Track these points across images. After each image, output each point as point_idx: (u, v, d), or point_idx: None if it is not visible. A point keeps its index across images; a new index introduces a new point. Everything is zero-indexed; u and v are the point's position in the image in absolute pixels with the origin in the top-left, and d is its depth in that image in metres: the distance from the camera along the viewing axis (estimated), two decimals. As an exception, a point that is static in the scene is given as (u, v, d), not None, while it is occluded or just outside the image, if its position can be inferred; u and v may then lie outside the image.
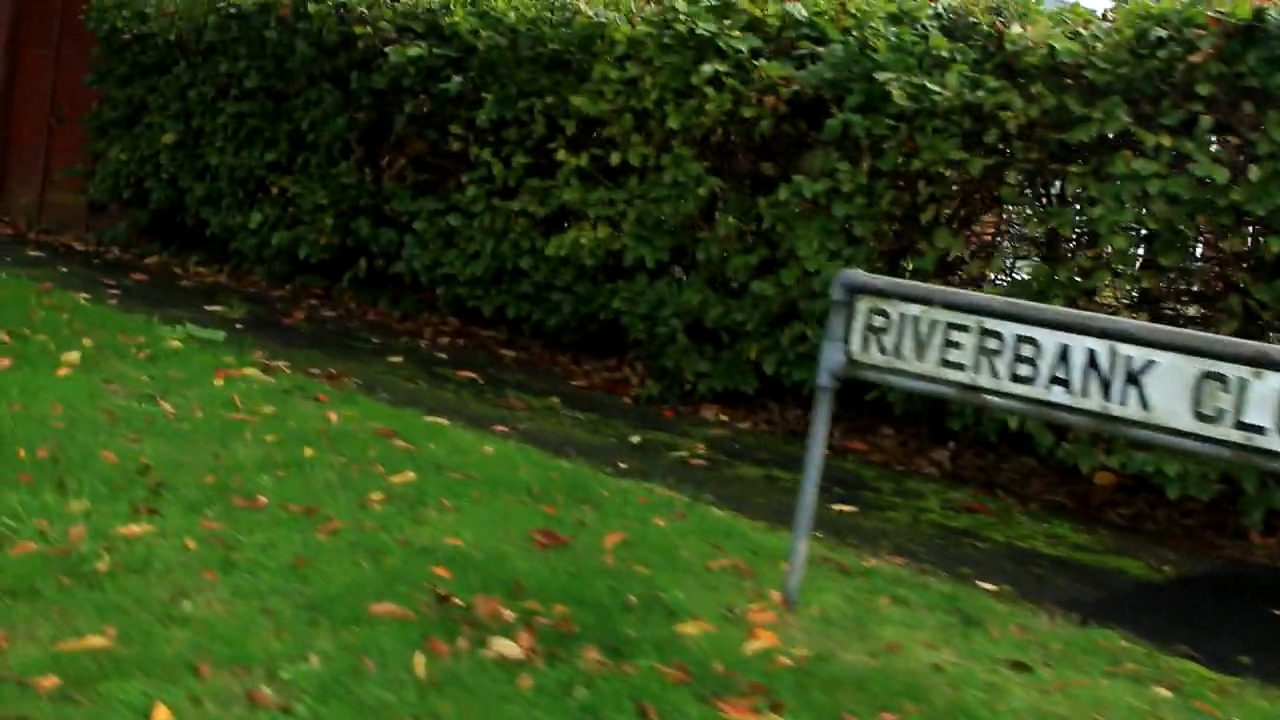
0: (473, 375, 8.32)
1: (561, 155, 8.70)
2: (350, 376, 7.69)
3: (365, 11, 9.95)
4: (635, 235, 8.29)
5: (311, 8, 10.25)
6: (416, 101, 9.55)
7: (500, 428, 7.02)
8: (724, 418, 7.92)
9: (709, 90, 8.00)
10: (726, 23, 8.15)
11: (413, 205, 9.59)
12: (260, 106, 10.73)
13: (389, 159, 9.87)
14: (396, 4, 9.97)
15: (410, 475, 5.69)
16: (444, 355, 8.87)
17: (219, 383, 7.06)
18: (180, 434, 5.98)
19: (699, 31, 8.12)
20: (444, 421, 6.93)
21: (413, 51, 9.45)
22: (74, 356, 7.08)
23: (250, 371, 7.36)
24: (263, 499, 5.15)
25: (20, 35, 14.21)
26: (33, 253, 11.67)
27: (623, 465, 6.55)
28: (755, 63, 7.96)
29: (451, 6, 9.54)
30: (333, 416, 6.62)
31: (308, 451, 5.88)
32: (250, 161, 10.75)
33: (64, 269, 10.78)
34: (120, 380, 6.85)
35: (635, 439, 7.23)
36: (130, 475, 5.27)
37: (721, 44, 8.07)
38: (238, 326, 8.91)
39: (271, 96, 10.69)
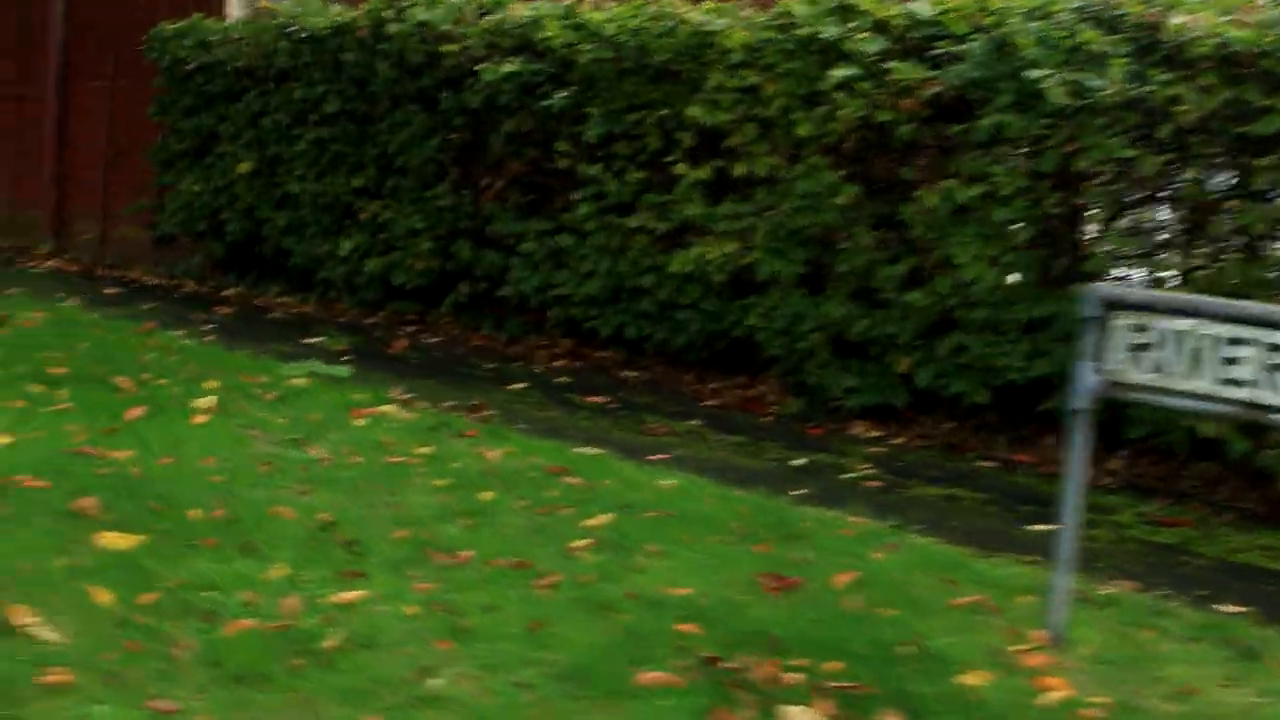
0: (602, 400, 7.93)
1: (680, 169, 8.31)
2: (486, 409, 7.31)
3: (451, 29, 9.56)
4: (768, 248, 7.90)
5: (392, 28, 9.87)
6: (515, 120, 9.16)
7: (656, 456, 6.64)
8: (875, 434, 7.52)
9: (839, 96, 7.62)
10: (851, 25, 7.78)
11: (517, 226, 9.20)
12: (342, 131, 10.34)
13: (488, 180, 9.49)
14: (483, 20, 9.58)
15: (604, 518, 5.32)
16: (565, 380, 8.48)
17: (360, 423, 6.70)
18: (345, 483, 5.61)
19: (823, 35, 7.74)
20: (599, 452, 6.55)
21: (507, 69, 9.07)
22: (206, 402, 6.72)
23: (388, 409, 7.00)
24: (463, 553, 4.78)
25: (71, 69, 13.83)
26: (108, 290, 11.30)
27: (798, 492, 6.16)
28: (885, 65, 7.58)
29: (544, 21, 9.15)
30: (491, 455, 6.25)
31: (485, 496, 5.53)
32: (335, 188, 10.35)
33: (146, 305, 10.41)
34: (260, 426, 6.48)
35: (797, 462, 6.84)
36: (315, 533, 4.91)
37: (848, 47, 7.69)
38: (345, 359, 8.52)
39: (354, 120, 10.30)
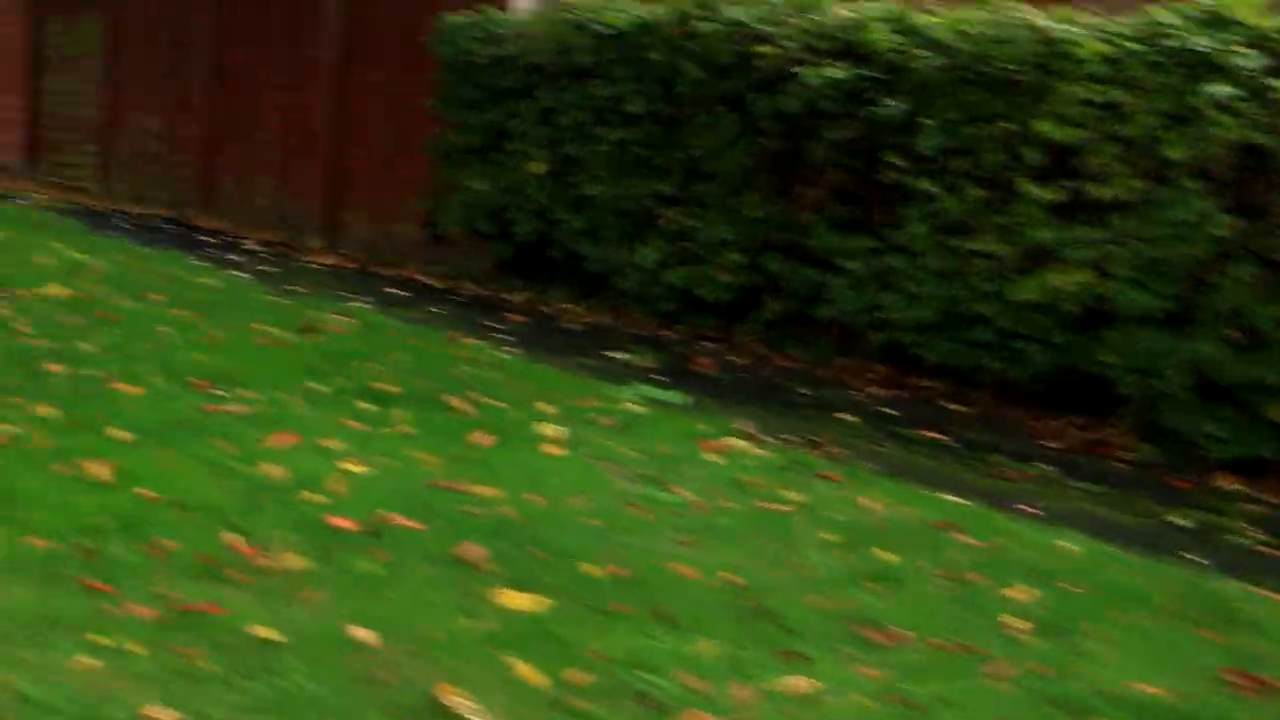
0: (935, 435, 7.42)
1: (1026, 188, 7.76)
2: (830, 445, 6.85)
3: (766, 30, 9.11)
4: (1127, 279, 7.33)
5: (703, 26, 9.44)
6: (837, 127, 8.67)
7: (1024, 507, 6.13)
8: (1243, 488, 6.91)
9: (1215, 115, 7.03)
10: (1225, 37, 7.19)
11: (837, 242, 8.70)
12: (645, 133, 9.93)
13: (804, 190, 9.02)
14: (799, 20, 9.11)
15: (1024, 590, 4.83)
16: (889, 410, 7.97)
17: (712, 458, 6.28)
18: (729, 534, 5.19)
19: (1194, 48, 7.16)
20: (970, 504, 6.06)
21: (833, 73, 8.59)
22: (553, 431, 6.34)
23: (734, 443, 6.56)
24: (897, 631, 4.33)
25: (351, 60, 13.63)
26: (389, 290, 11.01)
27: (1194, 558, 5.61)
28: (1267, 83, 6.98)
29: (869, 23, 8.65)
30: (865, 503, 5.78)
31: (885, 556, 5.06)
32: (636, 192, 9.95)
33: (434, 309, 10.12)
34: (611, 458, 6.08)
35: (1177, 520, 6.27)
36: (728, 599, 4.50)
37: (1221, 62, 7.10)
38: (655, 377, 8.13)
39: (658, 122, 9.88)
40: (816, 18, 9.03)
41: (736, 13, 9.36)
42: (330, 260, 12.72)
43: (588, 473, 5.80)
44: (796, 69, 8.85)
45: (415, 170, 12.59)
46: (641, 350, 8.91)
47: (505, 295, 11.07)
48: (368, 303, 9.97)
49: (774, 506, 5.59)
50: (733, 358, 9.14)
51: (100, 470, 5.19)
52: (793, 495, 5.75)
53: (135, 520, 4.71)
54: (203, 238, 13.73)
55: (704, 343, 9.52)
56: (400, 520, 4.90)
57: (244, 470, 5.35)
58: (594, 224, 10.27)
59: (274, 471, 5.34)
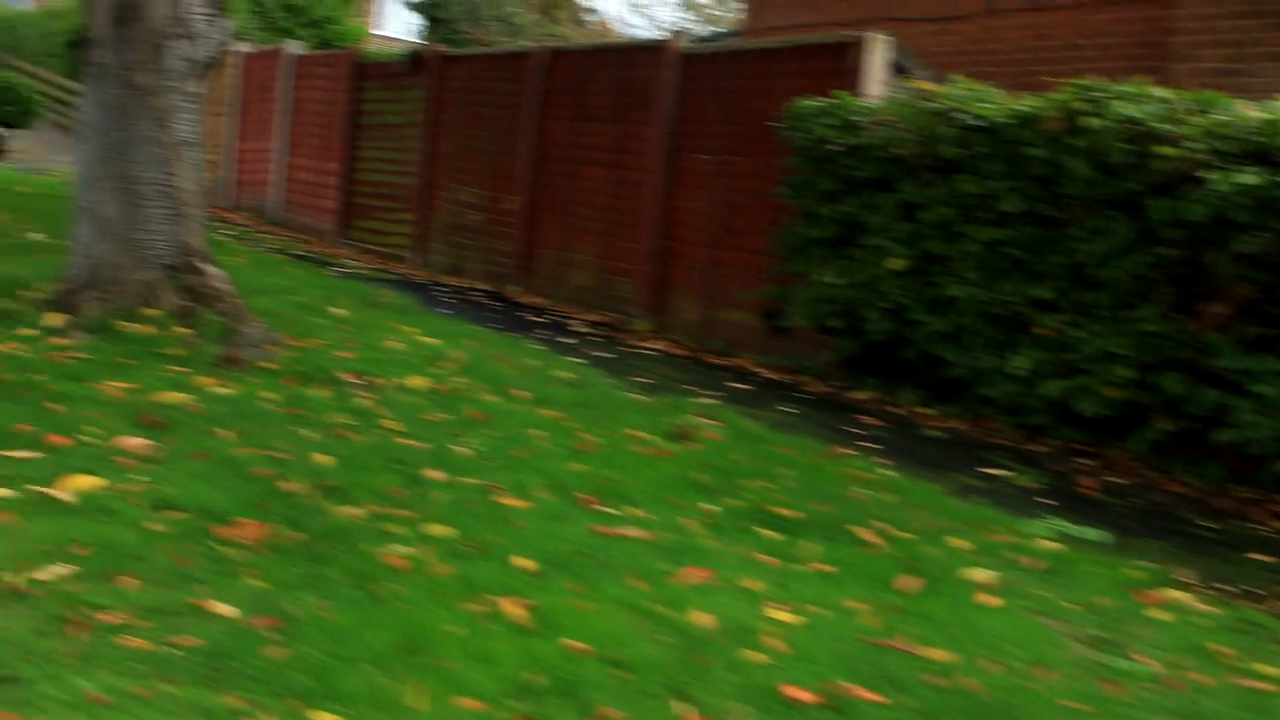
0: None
1: None
2: (1273, 598, 6.18)
3: (1168, 129, 8.47)
4: None
5: (1092, 122, 8.83)
6: (1249, 238, 7.99)
7: None
8: None
9: None
10: None
11: (1246, 362, 8.00)
12: (1021, 234, 9.34)
13: (1207, 305, 8.34)
14: (1201, 119, 8.46)
15: None
16: (1310, 552, 7.25)
17: (1158, 615, 5.66)
18: (1213, 720, 4.59)
19: None
20: None
21: (1245, 179, 7.92)
22: (983, 576, 5.79)
23: (1174, 595, 5.93)
24: None
25: (681, 139, 13.29)
26: (730, 383, 10.55)
27: None
28: None
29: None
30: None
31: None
32: (1008, 296, 9.36)
33: (783, 408, 9.62)
34: (1050, 613, 5.51)
35: None
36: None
37: None
38: (1044, 501, 7.54)
39: (1037, 223, 9.29)
40: (1223, 117, 8.37)
41: (1129, 109, 8.72)
42: (659, 345, 12.35)
43: (1035, 632, 5.24)
44: (1200, 172, 8.20)
45: (748, 256, 12.20)
46: (1021, 468, 8.33)
47: (849, 394, 10.56)
48: (715, 397, 9.53)
49: (1253, 684, 4.96)
50: (1113, 478, 8.46)
51: (515, 610, 4.78)
52: (1267, 669, 5.12)
53: (571, 680, 4.27)
54: (529, 317, 13.48)
55: (1077, 459, 8.87)
56: (859, 692, 4.40)
57: (669, 616, 4.90)
58: (957, 327, 9.70)
59: (702, 620, 4.88)
